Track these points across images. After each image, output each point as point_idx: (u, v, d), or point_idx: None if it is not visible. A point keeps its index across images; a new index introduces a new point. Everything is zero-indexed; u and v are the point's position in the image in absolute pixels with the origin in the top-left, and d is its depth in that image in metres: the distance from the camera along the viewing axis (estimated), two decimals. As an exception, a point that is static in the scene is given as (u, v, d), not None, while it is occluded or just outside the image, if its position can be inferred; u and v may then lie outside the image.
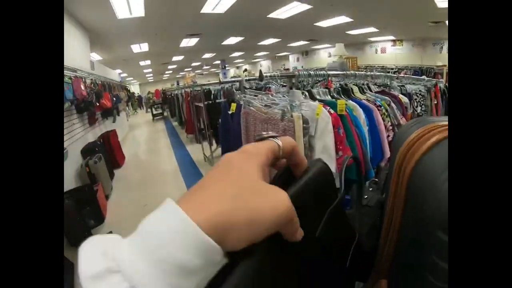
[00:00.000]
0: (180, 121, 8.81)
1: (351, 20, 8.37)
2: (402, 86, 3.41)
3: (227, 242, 0.23)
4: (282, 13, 7.35)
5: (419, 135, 0.41)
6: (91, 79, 4.92)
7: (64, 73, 3.41)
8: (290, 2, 6.55)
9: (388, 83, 3.35)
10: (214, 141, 4.90)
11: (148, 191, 4.37)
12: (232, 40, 10.92)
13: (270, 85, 3.01)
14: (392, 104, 2.65)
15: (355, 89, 2.60)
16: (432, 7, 6.65)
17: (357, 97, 2.48)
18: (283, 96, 1.93)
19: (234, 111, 2.24)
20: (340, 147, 1.76)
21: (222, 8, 6.45)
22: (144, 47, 9.54)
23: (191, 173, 4.96)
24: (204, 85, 5.26)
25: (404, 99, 2.95)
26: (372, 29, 9.94)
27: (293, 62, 17.49)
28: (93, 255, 0.21)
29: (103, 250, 0.21)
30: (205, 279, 0.23)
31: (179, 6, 5.73)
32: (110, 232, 3.02)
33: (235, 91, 2.38)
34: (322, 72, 2.37)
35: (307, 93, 2.11)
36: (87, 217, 3.07)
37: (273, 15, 7.47)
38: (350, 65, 8.13)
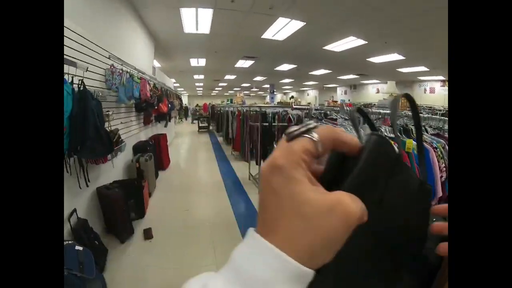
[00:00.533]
0: (226, 136, 8.99)
1: (403, 58, 8.29)
2: None
3: (318, 264, 0.25)
4: (337, 46, 7.42)
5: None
6: (153, 83, 5.21)
7: (132, 72, 3.65)
8: (347, 36, 6.62)
9: (441, 126, 3.29)
10: (262, 162, 4.93)
11: (189, 197, 4.46)
12: (285, 67, 11.17)
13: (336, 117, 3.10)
14: (447, 147, 2.66)
15: (414, 130, 2.70)
16: None
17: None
18: (360, 129, 2.06)
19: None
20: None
21: (282, 36, 6.65)
22: (202, 62, 10.03)
23: (235, 188, 4.96)
24: (265, 107, 5.38)
25: None
26: (422, 68, 9.73)
27: (340, 95, 17.42)
28: None
29: (201, 285, 0.24)
30: None
31: (243, 28, 5.99)
32: (149, 228, 3.13)
33: (304, 118, 2.54)
34: (389, 111, 2.46)
35: (382, 130, 2.31)
36: (131, 209, 3.19)
37: (328, 47, 7.57)
38: (401, 104, 7.90)
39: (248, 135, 5.69)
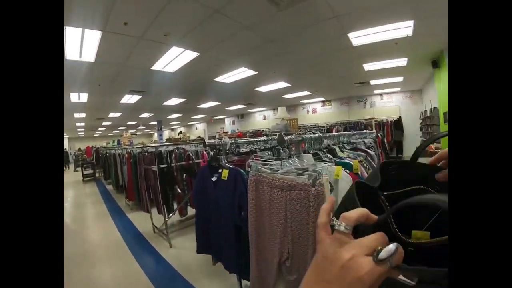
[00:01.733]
0: (117, 184, 7.53)
1: (289, 85, 8.84)
2: (363, 140, 3.50)
3: None
4: (228, 77, 7.36)
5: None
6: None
7: None
8: (238, 67, 6.61)
9: (350, 140, 3.40)
10: (165, 210, 4.00)
11: (88, 269, 3.29)
12: (173, 101, 10.62)
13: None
14: (368, 158, 2.72)
15: (337, 149, 2.63)
16: (360, 70, 7.37)
17: (340, 156, 2.48)
18: (296, 160, 1.78)
19: (225, 178, 1.92)
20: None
21: (173, 67, 6.16)
22: (83, 97, 8.49)
23: (140, 246, 3.92)
24: (164, 145, 4.63)
25: (371, 153, 3.04)
26: (305, 93, 10.64)
27: (228, 125, 17.66)
28: None
29: None
30: None
31: (132, 58, 5.29)
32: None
33: (219, 156, 2.07)
34: (318, 135, 2.40)
35: (330, 155, 2.18)
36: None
37: (219, 78, 7.43)
38: (292, 127, 8.37)
39: (144, 180, 4.57)
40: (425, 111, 9.71)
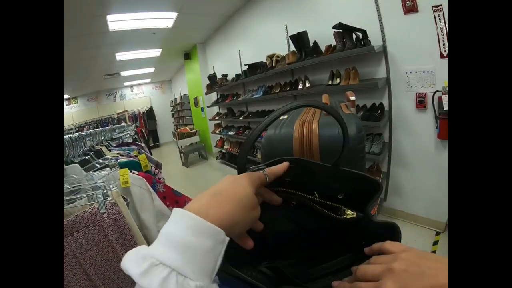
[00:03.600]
0: None
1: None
2: (128, 133, 3.22)
3: (231, 233, 0.32)
4: None
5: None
6: None
7: None
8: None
9: (112, 136, 2.95)
10: None
11: None
12: None
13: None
14: (142, 150, 2.41)
15: (104, 148, 2.16)
16: (111, 60, 6.55)
17: (110, 156, 2.00)
18: None
19: None
20: (168, 203, 1.35)
21: None
22: None
23: None
24: None
25: (142, 144, 2.93)
26: None
27: None
28: (136, 260, 0.27)
29: (142, 255, 0.27)
30: (218, 255, 0.29)
31: None
32: None
33: None
34: (77, 134, 1.66)
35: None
36: None
37: None
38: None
39: None
40: (175, 98, 10.22)
